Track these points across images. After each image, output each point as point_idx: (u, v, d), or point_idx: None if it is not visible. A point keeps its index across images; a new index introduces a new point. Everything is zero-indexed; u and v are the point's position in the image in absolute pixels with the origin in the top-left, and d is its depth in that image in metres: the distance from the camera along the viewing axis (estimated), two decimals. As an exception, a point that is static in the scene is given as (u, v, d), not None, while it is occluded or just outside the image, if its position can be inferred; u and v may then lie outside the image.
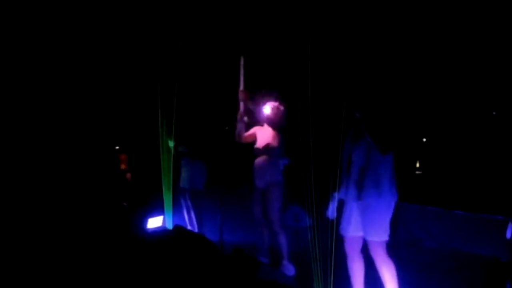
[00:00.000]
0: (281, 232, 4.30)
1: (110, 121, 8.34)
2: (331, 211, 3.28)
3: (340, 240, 3.22)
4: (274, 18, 6.56)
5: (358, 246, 3.21)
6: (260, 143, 4.38)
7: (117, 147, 7.96)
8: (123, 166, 6.40)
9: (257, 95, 4.43)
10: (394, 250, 3.16)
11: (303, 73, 3.07)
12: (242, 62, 4.28)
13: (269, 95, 4.37)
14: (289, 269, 4.28)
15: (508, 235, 3.94)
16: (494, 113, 9.10)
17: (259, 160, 4.37)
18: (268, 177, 4.30)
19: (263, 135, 4.40)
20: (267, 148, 4.30)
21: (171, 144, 5.16)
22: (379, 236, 3.06)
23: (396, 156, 3.11)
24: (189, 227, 5.28)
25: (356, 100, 3.03)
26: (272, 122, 4.35)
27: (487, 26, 7.11)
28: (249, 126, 4.54)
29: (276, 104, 4.37)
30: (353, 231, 3.17)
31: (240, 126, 4.45)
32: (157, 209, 5.23)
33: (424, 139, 10.14)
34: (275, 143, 4.29)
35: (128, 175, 6.43)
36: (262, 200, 4.35)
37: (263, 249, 4.47)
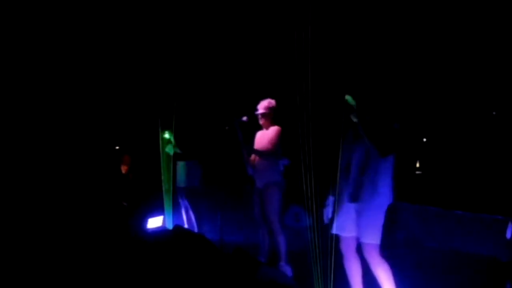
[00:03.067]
0: (280, 233, 4.29)
1: (110, 121, 8.35)
2: (326, 216, 3.30)
3: (339, 240, 3.22)
4: (273, 19, 6.56)
5: (353, 246, 3.20)
6: (258, 147, 4.42)
7: (117, 147, 7.97)
8: (125, 168, 6.39)
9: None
10: (394, 250, 3.15)
11: (302, 74, 3.07)
12: (237, 124, 4.34)
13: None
14: (286, 271, 4.25)
15: (508, 235, 3.94)
16: (494, 113, 9.10)
17: (259, 161, 4.39)
18: (267, 178, 4.31)
19: (261, 139, 4.44)
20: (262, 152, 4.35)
21: (167, 137, 5.15)
22: (373, 238, 3.05)
23: (396, 158, 3.10)
24: (185, 226, 5.27)
25: (353, 106, 3.04)
26: (268, 119, 4.40)
27: (487, 26, 7.11)
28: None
29: (265, 102, 4.42)
30: (348, 231, 3.18)
31: (248, 166, 4.50)
32: (157, 209, 5.23)
33: (424, 139, 10.14)
34: (271, 146, 4.31)
35: (130, 175, 6.43)
36: (261, 200, 4.35)
37: (263, 249, 4.47)
